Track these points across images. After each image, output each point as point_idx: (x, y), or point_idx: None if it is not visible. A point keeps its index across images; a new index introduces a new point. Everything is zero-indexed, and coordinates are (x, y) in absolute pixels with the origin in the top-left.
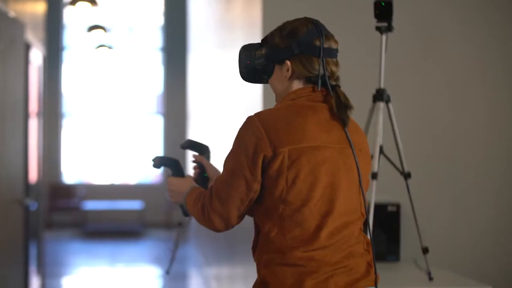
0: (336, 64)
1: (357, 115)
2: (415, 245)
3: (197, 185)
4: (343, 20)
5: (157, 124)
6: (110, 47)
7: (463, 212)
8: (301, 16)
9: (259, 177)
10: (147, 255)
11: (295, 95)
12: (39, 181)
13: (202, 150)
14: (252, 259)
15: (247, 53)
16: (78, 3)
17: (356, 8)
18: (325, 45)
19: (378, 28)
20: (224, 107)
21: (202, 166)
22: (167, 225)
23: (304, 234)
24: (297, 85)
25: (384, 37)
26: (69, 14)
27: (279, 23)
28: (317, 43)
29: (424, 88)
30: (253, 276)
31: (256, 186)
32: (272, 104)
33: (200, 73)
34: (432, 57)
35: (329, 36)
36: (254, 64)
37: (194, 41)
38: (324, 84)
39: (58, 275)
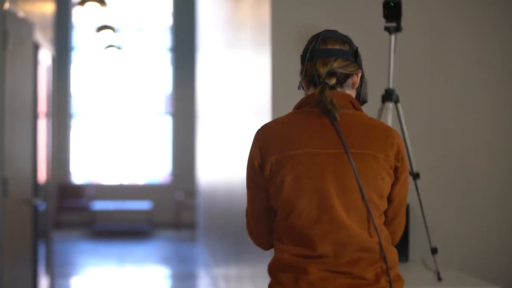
0: (324, 63)
1: None
2: (424, 245)
3: None
4: (352, 20)
5: (166, 124)
6: (119, 48)
7: (472, 213)
8: (309, 16)
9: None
10: (156, 255)
11: (301, 103)
12: (48, 181)
13: None
14: (259, 259)
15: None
16: (87, 3)
17: (365, 8)
18: (315, 47)
19: (387, 28)
20: (233, 107)
21: None
22: (176, 225)
23: (294, 240)
24: (311, 91)
25: (393, 37)
26: (78, 14)
27: (288, 23)
28: (310, 47)
29: (433, 88)
30: (261, 276)
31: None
32: (281, 102)
33: (209, 73)
34: (441, 57)
35: (327, 39)
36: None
37: (202, 41)
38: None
39: (66, 275)
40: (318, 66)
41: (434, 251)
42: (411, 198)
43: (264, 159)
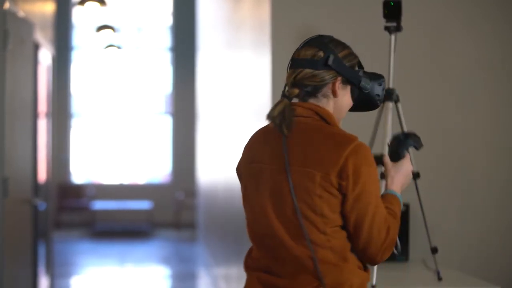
0: (290, 74)
1: (366, 115)
2: (424, 245)
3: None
4: (352, 20)
5: (166, 124)
6: (119, 47)
7: (472, 213)
8: (309, 16)
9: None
10: (156, 255)
11: None
12: (48, 181)
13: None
14: None
15: None
16: (87, 3)
17: (365, 8)
18: (293, 56)
19: (387, 28)
20: (233, 107)
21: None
22: (176, 225)
23: (254, 248)
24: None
25: (393, 37)
26: (78, 14)
27: (288, 23)
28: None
29: (433, 88)
30: None
31: None
32: None
33: (209, 73)
34: (441, 57)
35: (303, 47)
36: None
37: (202, 41)
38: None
39: (66, 275)
40: (287, 77)
41: (434, 251)
42: (411, 198)
43: (239, 167)
